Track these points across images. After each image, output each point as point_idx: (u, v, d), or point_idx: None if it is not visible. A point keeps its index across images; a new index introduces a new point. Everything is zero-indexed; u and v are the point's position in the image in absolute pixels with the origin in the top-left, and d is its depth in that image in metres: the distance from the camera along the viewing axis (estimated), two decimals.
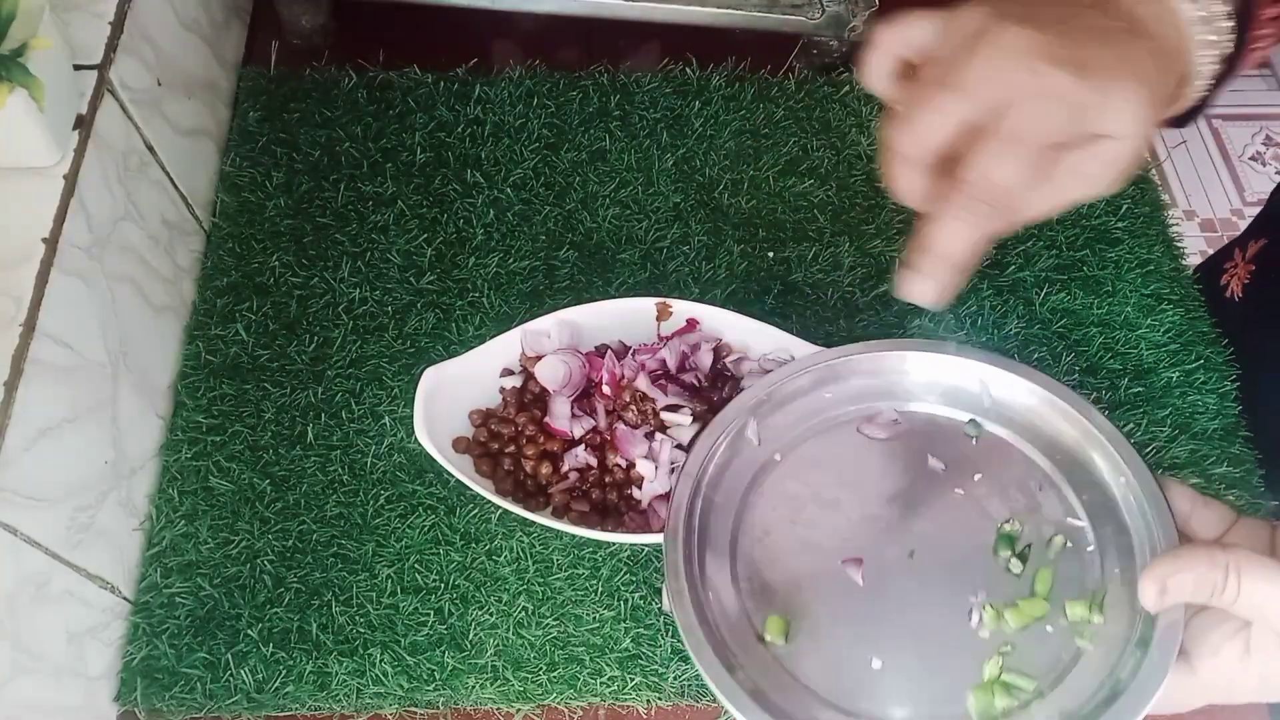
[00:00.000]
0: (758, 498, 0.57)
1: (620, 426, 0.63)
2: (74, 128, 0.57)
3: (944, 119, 0.40)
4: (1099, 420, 0.55)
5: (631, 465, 0.62)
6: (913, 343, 0.60)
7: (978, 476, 0.56)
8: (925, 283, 0.43)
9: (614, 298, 0.68)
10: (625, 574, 0.64)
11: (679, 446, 0.63)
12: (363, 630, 0.62)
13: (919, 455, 0.57)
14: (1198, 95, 0.46)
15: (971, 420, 0.58)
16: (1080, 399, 0.56)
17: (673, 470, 0.62)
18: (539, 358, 0.64)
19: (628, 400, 0.63)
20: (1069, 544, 0.53)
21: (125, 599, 0.62)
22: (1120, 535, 0.52)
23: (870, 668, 0.51)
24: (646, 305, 0.67)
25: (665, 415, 0.63)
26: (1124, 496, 0.53)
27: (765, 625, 0.52)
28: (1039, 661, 0.50)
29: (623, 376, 0.64)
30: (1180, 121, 0.48)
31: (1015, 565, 0.53)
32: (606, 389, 0.64)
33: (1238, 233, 0.83)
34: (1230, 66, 0.45)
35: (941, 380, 0.59)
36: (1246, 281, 0.77)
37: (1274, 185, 0.80)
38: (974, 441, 0.58)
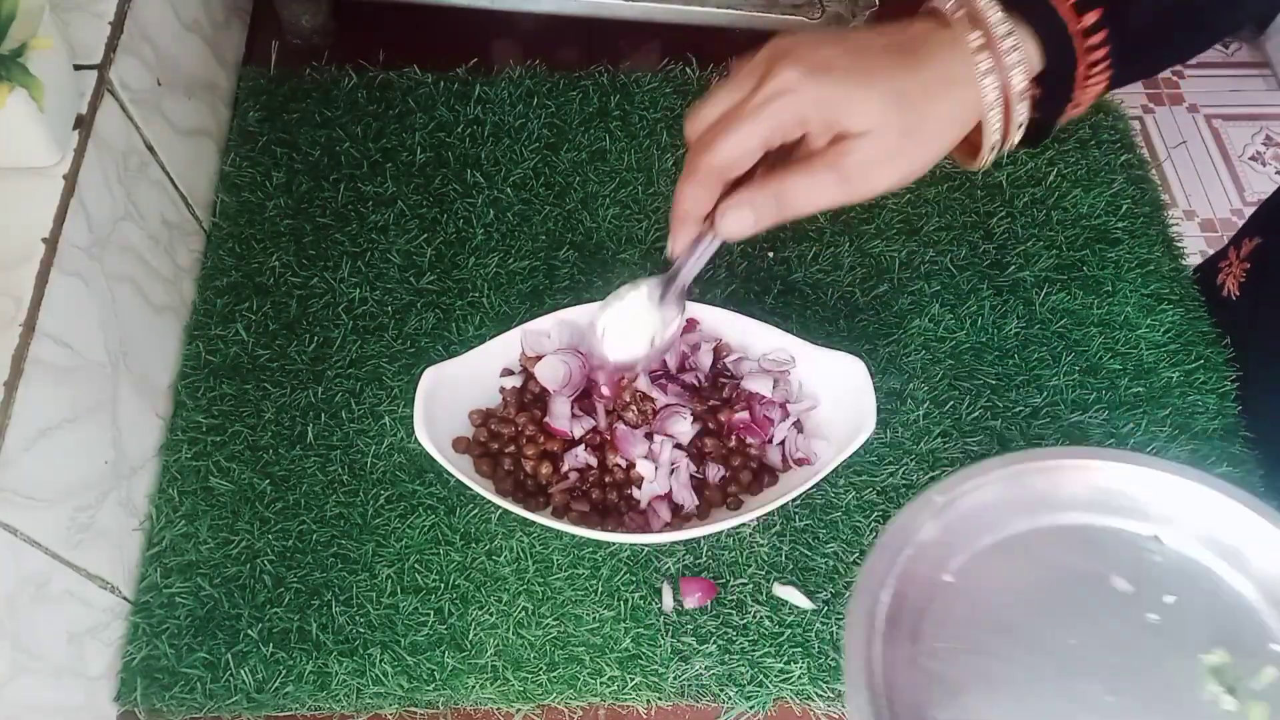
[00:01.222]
0: (929, 625, 0.52)
1: (620, 426, 0.63)
2: (74, 128, 0.57)
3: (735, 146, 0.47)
4: None
5: (631, 465, 0.62)
6: (1088, 451, 0.56)
7: (1170, 599, 0.52)
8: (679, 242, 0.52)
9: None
10: (625, 574, 0.64)
11: (678, 446, 0.63)
12: (363, 630, 0.62)
13: (1100, 574, 0.53)
14: (1021, 118, 0.48)
15: (1155, 536, 0.54)
16: (1271, 510, 0.52)
17: (672, 470, 0.62)
18: (539, 358, 0.64)
19: (628, 400, 0.63)
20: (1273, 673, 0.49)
21: (125, 599, 0.62)
22: None
23: None
24: None
25: (665, 416, 0.63)
26: None
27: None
28: None
29: (622, 377, 0.64)
30: (1035, 140, 0.51)
31: (1227, 701, 0.49)
32: (606, 390, 0.64)
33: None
34: (1066, 90, 0.48)
35: (1114, 488, 0.55)
36: (1242, 280, 0.78)
37: (1275, 185, 0.80)
38: (1158, 559, 0.53)
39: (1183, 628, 0.51)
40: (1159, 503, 0.55)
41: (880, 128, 0.45)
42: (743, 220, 0.48)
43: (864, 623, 0.52)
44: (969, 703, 0.50)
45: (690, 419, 0.63)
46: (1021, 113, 0.48)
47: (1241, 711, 0.48)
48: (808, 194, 0.47)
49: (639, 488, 0.62)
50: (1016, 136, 0.49)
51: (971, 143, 0.50)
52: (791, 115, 0.46)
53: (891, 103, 0.45)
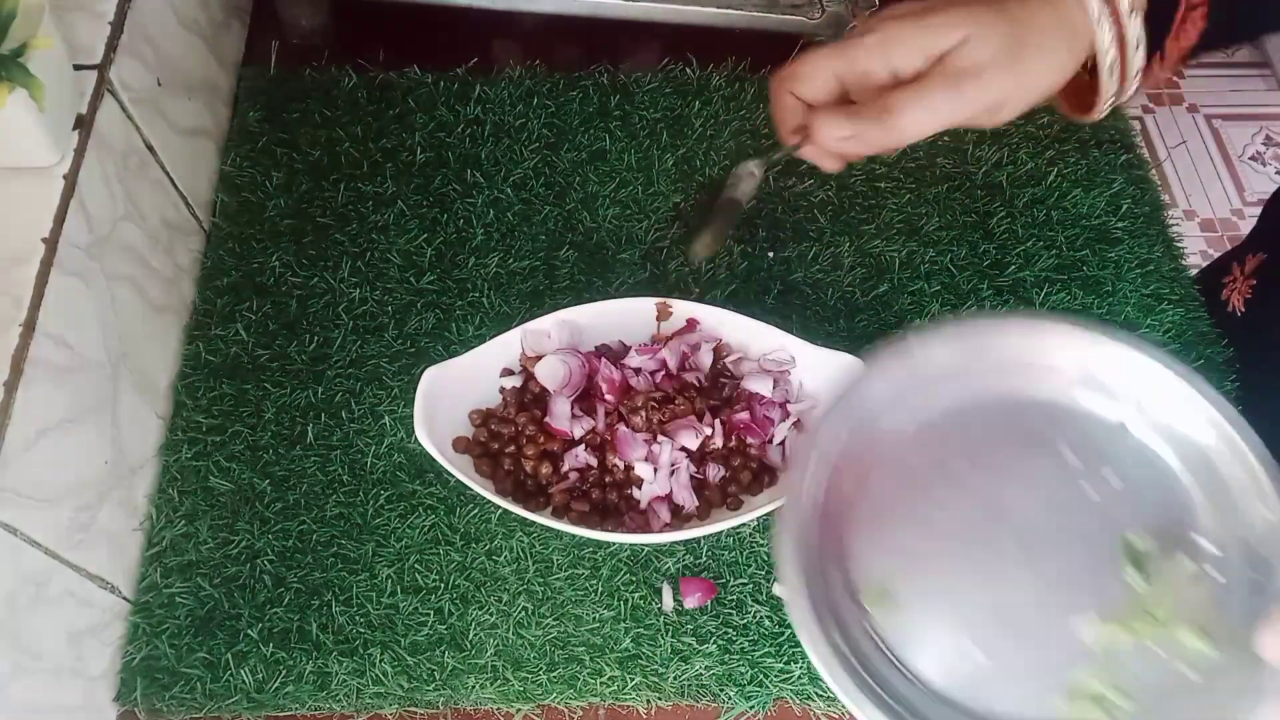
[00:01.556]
0: (884, 465, 0.54)
1: (621, 428, 0.63)
2: (74, 128, 0.57)
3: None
4: (1261, 452, 0.51)
5: (631, 466, 0.62)
6: (1074, 324, 0.56)
7: (1116, 482, 0.53)
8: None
9: (614, 298, 0.68)
10: (625, 574, 0.64)
11: (681, 449, 0.63)
12: (363, 630, 0.62)
13: (1054, 443, 0.54)
14: (1136, 32, 0.47)
15: (1121, 424, 0.55)
16: (1244, 424, 0.52)
17: (672, 471, 0.62)
18: (539, 358, 0.64)
19: (638, 404, 0.63)
20: (1198, 570, 0.50)
21: (125, 599, 0.62)
22: (1256, 572, 0.49)
23: (965, 654, 0.48)
24: (646, 305, 0.67)
25: (677, 427, 0.63)
26: (1269, 533, 0.49)
27: (866, 592, 0.50)
28: (1142, 683, 0.47)
29: (623, 380, 0.64)
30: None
31: (1137, 581, 0.50)
32: (609, 397, 0.64)
33: (1238, 232, 0.84)
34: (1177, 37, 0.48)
35: (1093, 368, 0.56)
36: (1248, 296, 0.77)
37: (1275, 185, 0.80)
38: (1115, 443, 0.54)
39: (1119, 508, 0.52)
40: (1132, 388, 0.55)
41: (979, 31, 0.44)
42: (837, 127, 0.47)
43: (813, 457, 0.53)
44: (892, 531, 0.52)
45: (698, 436, 0.63)
46: (1136, 28, 0.46)
47: (1148, 593, 0.49)
48: (916, 107, 0.45)
49: (639, 488, 0.62)
50: (1136, 61, 0.47)
51: (1084, 100, 0.49)
52: (874, 41, 0.45)
53: (987, 12, 0.45)
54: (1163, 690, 0.47)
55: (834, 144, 0.49)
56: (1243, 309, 0.78)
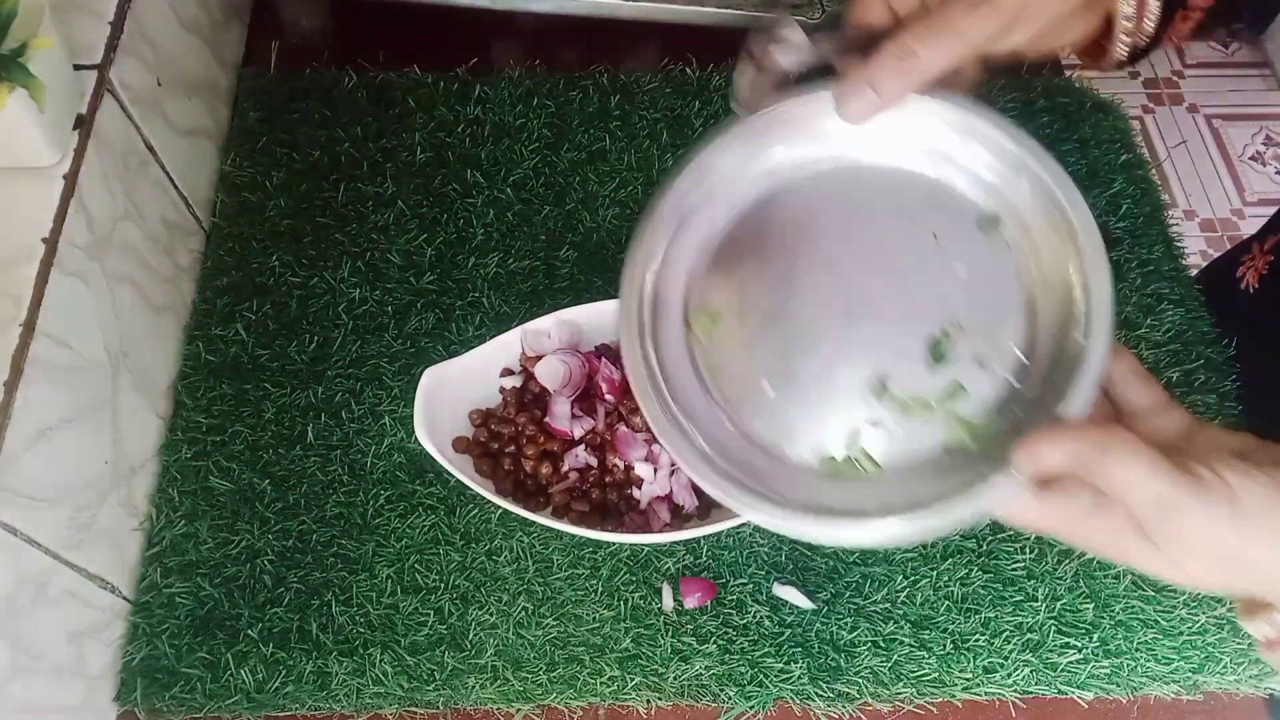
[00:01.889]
0: (741, 212, 0.54)
1: (621, 429, 0.63)
2: (74, 128, 0.57)
3: None
4: (1100, 283, 0.50)
5: (631, 466, 0.62)
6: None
7: (962, 271, 0.53)
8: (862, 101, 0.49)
9: (614, 298, 0.68)
10: (625, 574, 0.64)
11: None
12: (363, 630, 0.62)
13: (920, 221, 0.53)
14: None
15: (994, 217, 0.53)
16: (1098, 237, 0.51)
17: (673, 471, 0.62)
18: (539, 358, 0.64)
19: (639, 405, 0.63)
20: (993, 369, 0.51)
21: (125, 599, 0.62)
22: (1047, 391, 0.50)
23: (760, 389, 0.51)
24: None
25: None
26: (1074, 359, 0.49)
27: (695, 316, 0.52)
28: (898, 451, 0.49)
29: (623, 379, 0.64)
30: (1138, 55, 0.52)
31: (932, 362, 0.51)
32: (609, 397, 0.64)
33: (1238, 232, 0.83)
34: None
35: (971, 159, 0.54)
36: (1264, 272, 0.77)
37: (1274, 185, 0.80)
38: (978, 236, 0.53)
39: (952, 297, 0.52)
40: (1007, 184, 0.54)
41: None
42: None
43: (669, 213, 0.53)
44: (736, 268, 0.53)
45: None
46: None
47: (937, 377, 0.51)
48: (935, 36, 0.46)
49: (639, 488, 0.62)
50: (1154, 7, 0.48)
51: (1099, 44, 0.50)
52: None
53: None
54: (913, 466, 0.49)
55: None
56: (1257, 285, 0.78)
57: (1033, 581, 0.65)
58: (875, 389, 0.51)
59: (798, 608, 0.64)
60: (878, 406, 0.50)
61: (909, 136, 0.54)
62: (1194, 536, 0.39)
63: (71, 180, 0.56)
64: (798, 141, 0.54)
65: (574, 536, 0.64)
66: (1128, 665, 0.63)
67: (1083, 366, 0.47)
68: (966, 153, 0.54)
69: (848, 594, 0.64)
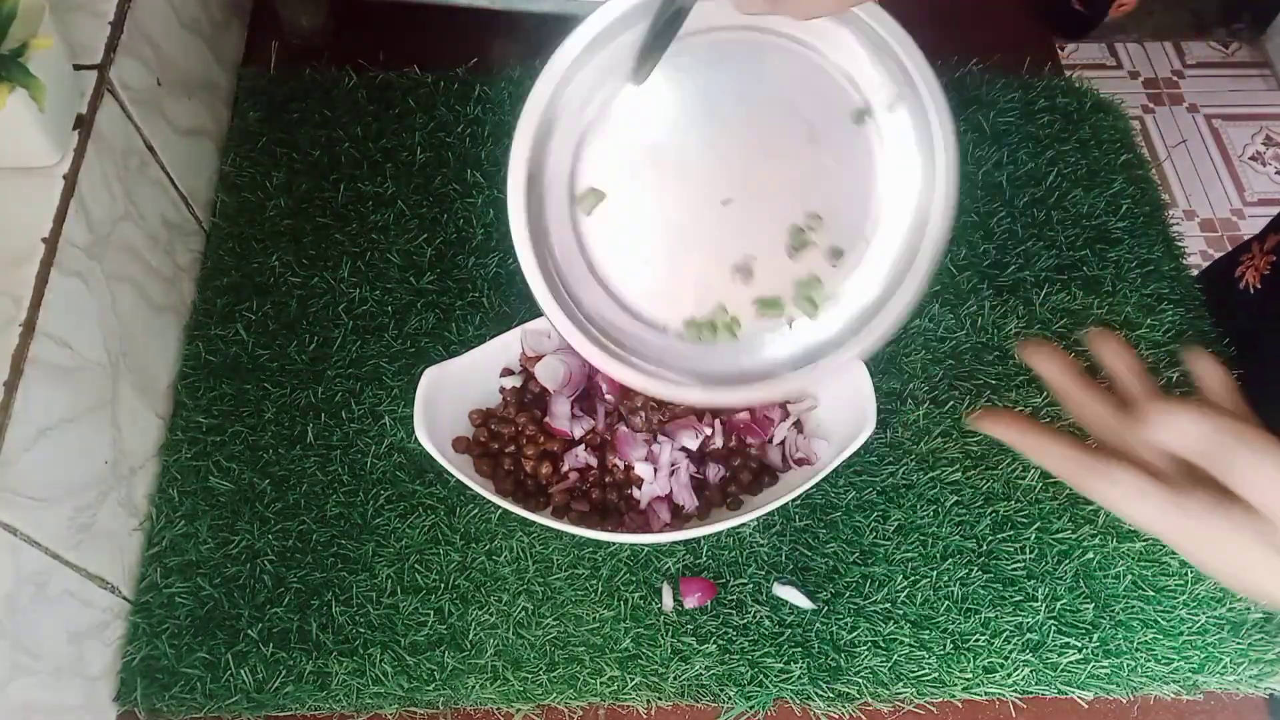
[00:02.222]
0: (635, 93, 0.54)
1: (621, 429, 0.63)
2: (74, 128, 0.57)
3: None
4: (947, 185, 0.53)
5: (631, 466, 0.62)
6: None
7: (832, 163, 0.54)
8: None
9: None
10: (625, 574, 0.64)
11: (682, 449, 0.63)
12: (363, 630, 0.62)
13: (796, 106, 0.54)
14: None
15: (862, 110, 0.54)
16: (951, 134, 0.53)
17: (673, 471, 0.62)
18: (539, 358, 0.64)
19: (638, 405, 0.63)
20: (845, 263, 0.55)
21: (125, 599, 0.62)
22: (883, 289, 0.54)
23: (639, 263, 0.54)
24: None
25: (677, 427, 0.63)
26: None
27: (583, 193, 0.53)
28: (750, 321, 0.55)
29: None
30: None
31: (793, 250, 0.54)
32: (609, 397, 0.64)
33: (1238, 232, 0.83)
34: None
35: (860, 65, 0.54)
36: (1266, 273, 0.77)
37: (1274, 185, 0.80)
38: (853, 128, 0.54)
39: (811, 183, 0.55)
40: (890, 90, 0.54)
41: None
42: None
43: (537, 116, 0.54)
44: (624, 148, 0.54)
45: (698, 436, 0.63)
46: None
47: (798, 265, 0.55)
48: None
49: (639, 488, 0.62)
50: None
51: None
52: None
53: None
54: (761, 329, 0.55)
55: None
56: (1258, 285, 0.78)
57: (1033, 581, 0.65)
58: (742, 272, 0.55)
59: (798, 608, 0.64)
60: (743, 290, 0.55)
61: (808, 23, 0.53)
62: None
63: (71, 180, 0.56)
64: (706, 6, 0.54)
65: (574, 536, 0.64)
66: (1128, 665, 0.63)
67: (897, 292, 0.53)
68: (855, 50, 0.54)
69: (848, 594, 0.64)
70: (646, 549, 0.65)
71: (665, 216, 0.54)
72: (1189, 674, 0.63)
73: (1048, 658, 0.63)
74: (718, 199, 0.54)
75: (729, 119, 0.54)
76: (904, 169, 0.54)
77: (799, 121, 0.54)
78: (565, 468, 0.63)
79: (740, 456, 0.64)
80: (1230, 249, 0.87)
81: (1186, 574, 0.66)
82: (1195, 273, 0.82)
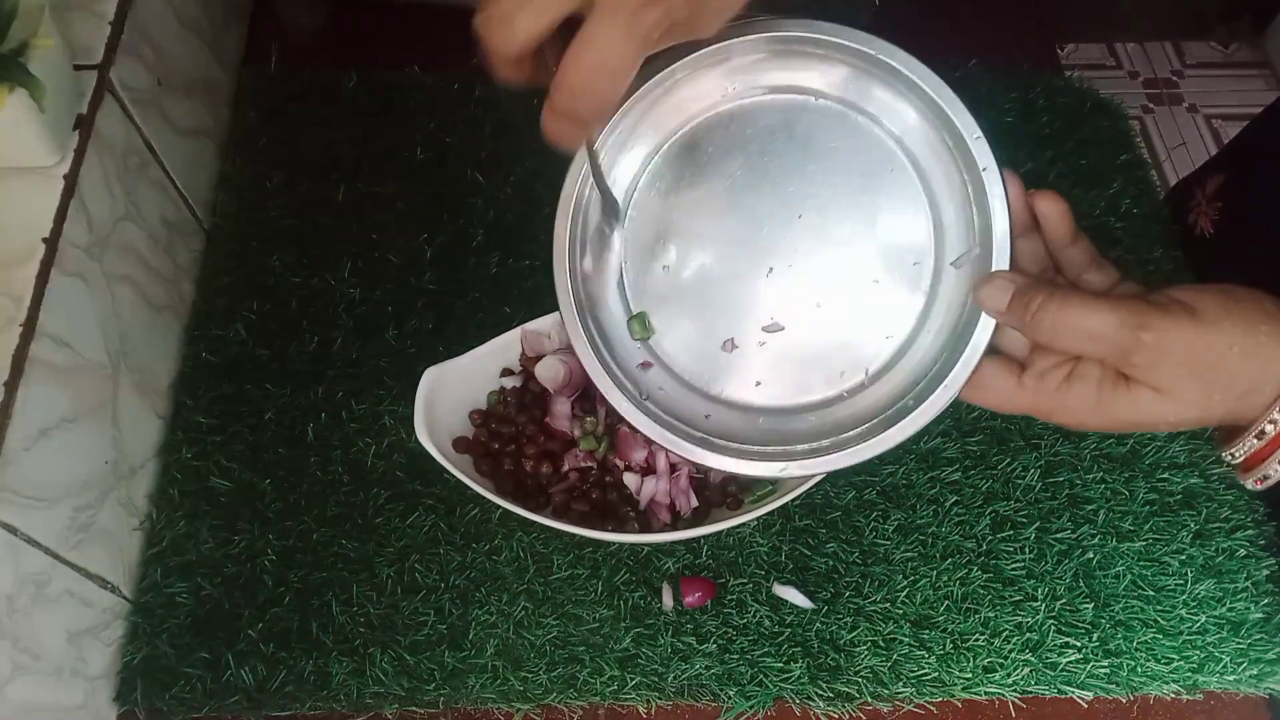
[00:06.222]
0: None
1: (622, 429, 0.63)
2: (74, 128, 0.57)
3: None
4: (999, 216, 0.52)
5: (629, 467, 0.62)
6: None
7: (879, 220, 0.53)
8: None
9: None
10: (625, 574, 0.64)
11: None
12: (363, 630, 0.62)
13: (842, 162, 0.53)
14: None
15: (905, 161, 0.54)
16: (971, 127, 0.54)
17: (673, 472, 0.62)
18: (539, 358, 0.64)
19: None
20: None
21: (125, 599, 0.62)
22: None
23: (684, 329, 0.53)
24: None
25: None
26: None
27: (634, 322, 0.55)
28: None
29: None
30: None
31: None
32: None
33: None
34: None
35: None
36: (1216, 218, 0.79)
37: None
38: (887, 175, 0.53)
39: (878, 239, 0.52)
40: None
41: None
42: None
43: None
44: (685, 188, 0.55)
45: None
46: None
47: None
48: None
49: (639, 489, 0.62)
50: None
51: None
52: None
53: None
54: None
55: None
56: (1211, 230, 0.79)
57: (1032, 581, 0.65)
58: (770, 282, 0.53)
59: (797, 607, 0.64)
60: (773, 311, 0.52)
61: (828, 73, 0.53)
62: (1170, 351, 0.41)
63: (71, 180, 0.56)
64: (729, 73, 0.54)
65: (574, 536, 0.64)
66: (1128, 665, 0.63)
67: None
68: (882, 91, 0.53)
69: (847, 594, 0.64)
70: (646, 549, 0.65)
71: (710, 288, 0.53)
72: (1189, 674, 0.63)
73: (1047, 657, 0.63)
74: (764, 273, 0.53)
75: (784, 178, 0.54)
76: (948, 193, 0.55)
77: (844, 175, 0.53)
78: (565, 468, 0.63)
79: None
80: (1172, 190, 0.88)
81: (1186, 574, 0.66)
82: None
